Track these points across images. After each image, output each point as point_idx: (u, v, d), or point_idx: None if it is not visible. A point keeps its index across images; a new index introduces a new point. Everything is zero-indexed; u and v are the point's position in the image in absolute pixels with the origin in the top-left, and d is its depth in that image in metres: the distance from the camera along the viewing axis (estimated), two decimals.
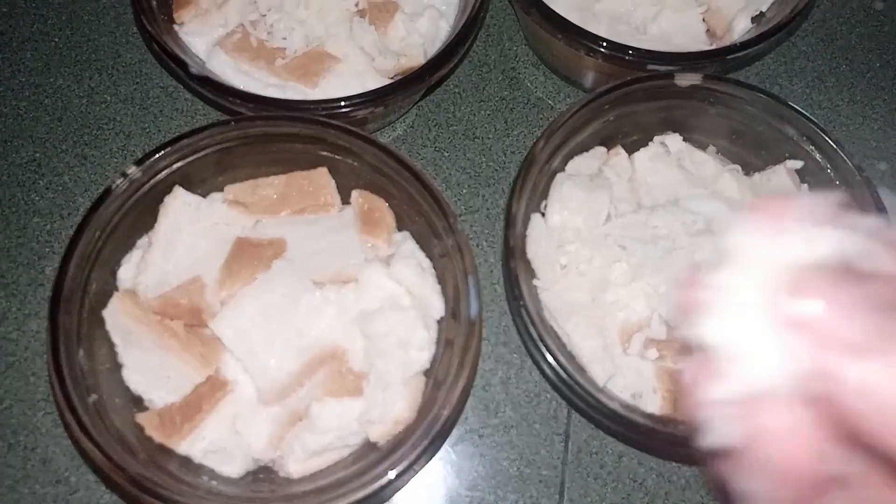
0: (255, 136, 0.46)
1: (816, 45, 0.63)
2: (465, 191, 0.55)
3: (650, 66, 0.49)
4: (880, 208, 0.45)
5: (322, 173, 0.47)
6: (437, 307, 0.44)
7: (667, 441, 0.40)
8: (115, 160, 0.55)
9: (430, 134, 0.57)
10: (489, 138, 0.57)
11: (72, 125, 0.56)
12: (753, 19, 0.55)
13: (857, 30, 0.64)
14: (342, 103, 0.46)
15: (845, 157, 0.47)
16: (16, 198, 0.54)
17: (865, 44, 0.64)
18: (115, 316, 0.43)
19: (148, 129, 0.56)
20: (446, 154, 0.57)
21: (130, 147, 0.56)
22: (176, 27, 0.52)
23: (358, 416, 0.41)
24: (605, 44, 0.48)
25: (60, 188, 0.54)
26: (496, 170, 0.55)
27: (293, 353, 0.42)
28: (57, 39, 0.60)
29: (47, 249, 0.52)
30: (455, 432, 0.47)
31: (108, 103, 0.57)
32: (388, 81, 0.49)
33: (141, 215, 0.45)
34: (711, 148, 0.50)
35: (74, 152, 0.56)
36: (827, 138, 0.47)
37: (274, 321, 0.43)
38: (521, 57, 0.60)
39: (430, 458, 0.46)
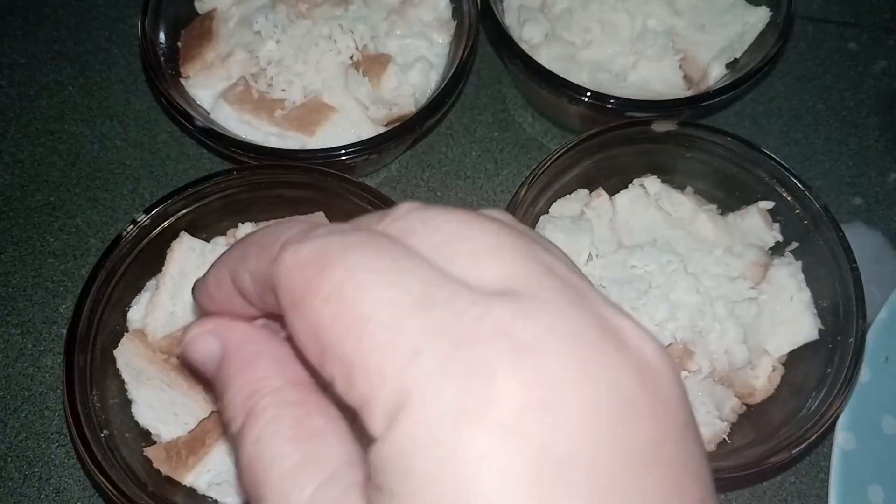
0: (256, 183, 0.49)
1: (793, 84, 0.66)
2: None
3: (629, 114, 0.52)
4: (845, 246, 0.48)
5: (319, 217, 0.50)
6: None
7: None
8: (126, 203, 0.58)
9: (423, 174, 0.60)
10: (480, 178, 0.60)
11: (85, 170, 0.60)
12: (728, 65, 0.58)
13: (831, 70, 0.67)
14: (338, 152, 0.49)
15: (812, 198, 0.49)
16: (32, 239, 0.57)
17: (839, 83, 0.67)
18: (126, 355, 0.46)
19: (157, 174, 0.59)
20: (438, 194, 0.59)
21: (140, 190, 0.59)
22: (183, 80, 0.55)
23: None
24: (586, 94, 0.51)
25: (73, 230, 0.57)
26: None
27: None
28: (71, 88, 0.63)
29: (61, 289, 0.55)
30: None
31: (119, 149, 0.61)
32: (382, 129, 0.52)
33: (149, 259, 0.48)
34: (689, 189, 0.53)
35: (87, 196, 0.59)
36: (795, 180, 0.50)
37: None
38: (511, 99, 0.63)
39: None
